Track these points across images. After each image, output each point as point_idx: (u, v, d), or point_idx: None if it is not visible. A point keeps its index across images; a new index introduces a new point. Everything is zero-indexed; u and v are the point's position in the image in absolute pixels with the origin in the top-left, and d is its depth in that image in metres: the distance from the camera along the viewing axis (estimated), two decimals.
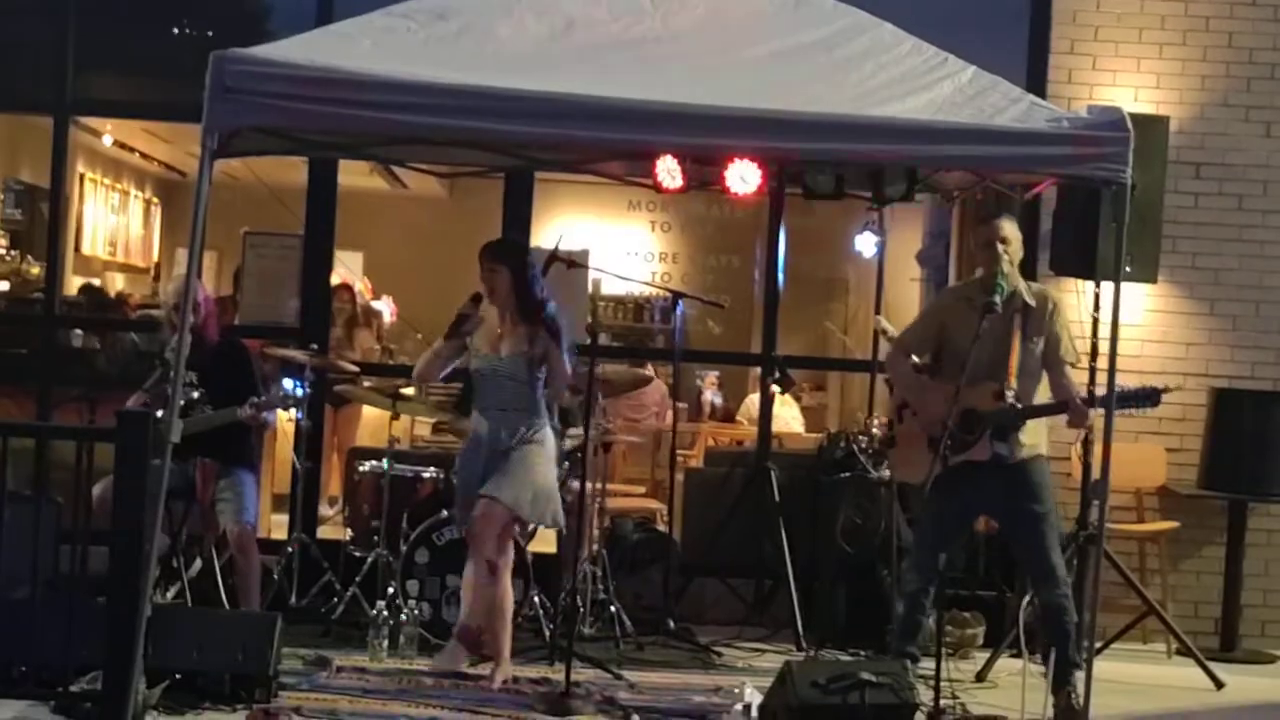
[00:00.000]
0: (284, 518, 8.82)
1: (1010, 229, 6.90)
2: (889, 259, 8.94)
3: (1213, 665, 7.98)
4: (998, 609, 8.35)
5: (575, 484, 7.47)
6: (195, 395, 7.35)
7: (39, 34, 8.98)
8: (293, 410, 8.18)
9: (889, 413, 7.32)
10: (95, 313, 11.84)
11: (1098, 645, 6.87)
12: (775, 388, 9.01)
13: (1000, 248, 6.81)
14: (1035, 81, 8.70)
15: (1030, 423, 6.82)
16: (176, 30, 9.58)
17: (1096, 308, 7.89)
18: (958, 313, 6.90)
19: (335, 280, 10.00)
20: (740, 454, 10.21)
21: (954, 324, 6.89)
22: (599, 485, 8.33)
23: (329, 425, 10.05)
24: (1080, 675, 6.58)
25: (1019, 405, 6.77)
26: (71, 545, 6.22)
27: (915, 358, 7.16)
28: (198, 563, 7.77)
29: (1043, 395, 6.89)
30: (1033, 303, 6.90)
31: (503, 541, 6.98)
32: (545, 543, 8.21)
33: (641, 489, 10.81)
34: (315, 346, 8.58)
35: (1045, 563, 6.81)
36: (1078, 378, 7.15)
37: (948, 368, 6.89)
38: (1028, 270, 7.44)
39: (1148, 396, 6.70)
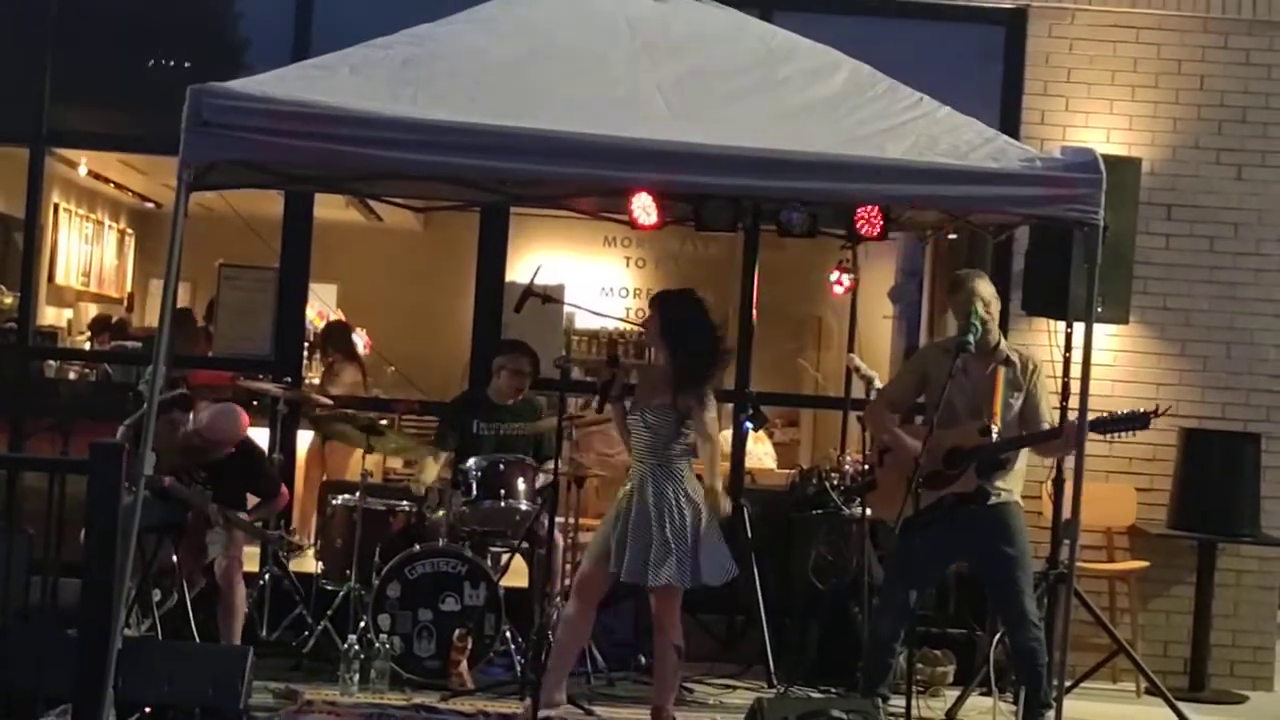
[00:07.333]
0: (255, 550, 8.78)
1: (984, 288, 6.94)
2: (862, 296, 8.95)
3: (1182, 705, 7.99)
4: (968, 647, 8.37)
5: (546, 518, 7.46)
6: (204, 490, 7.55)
7: (15, 65, 8.98)
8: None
9: (871, 458, 7.31)
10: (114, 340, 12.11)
11: (1067, 684, 6.87)
12: (748, 425, 9.00)
13: (978, 305, 6.82)
14: (1008, 122, 8.76)
15: (1010, 469, 6.85)
16: (153, 63, 9.55)
17: (1068, 348, 7.91)
18: (939, 364, 6.87)
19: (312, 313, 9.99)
20: None
21: (936, 375, 6.86)
22: (571, 520, 8.32)
23: (316, 459, 10.03)
24: (1050, 715, 6.61)
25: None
26: (43, 576, 6.20)
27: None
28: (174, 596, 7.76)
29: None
30: (1015, 359, 6.93)
31: None
32: (517, 577, 8.19)
33: None
34: (290, 380, 8.57)
35: (1018, 606, 6.83)
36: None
37: (930, 416, 6.88)
38: (1000, 311, 7.47)
39: (1136, 420, 6.73)
